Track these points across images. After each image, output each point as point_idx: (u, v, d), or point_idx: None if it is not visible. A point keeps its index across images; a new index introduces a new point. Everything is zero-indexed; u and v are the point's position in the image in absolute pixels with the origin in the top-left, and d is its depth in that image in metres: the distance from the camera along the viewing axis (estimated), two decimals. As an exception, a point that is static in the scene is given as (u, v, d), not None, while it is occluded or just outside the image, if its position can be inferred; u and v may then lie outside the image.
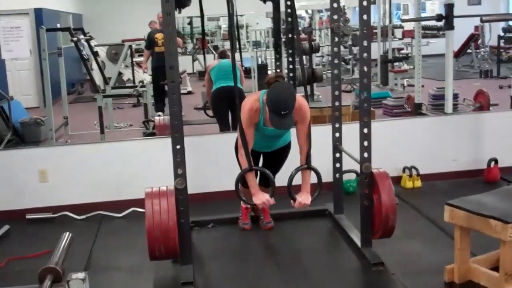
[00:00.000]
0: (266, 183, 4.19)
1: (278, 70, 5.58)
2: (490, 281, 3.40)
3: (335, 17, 4.35)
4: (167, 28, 3.53)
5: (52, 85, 7.50)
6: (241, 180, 3.92)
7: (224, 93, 6.25)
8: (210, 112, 6.95)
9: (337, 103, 4.49)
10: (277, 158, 4.31)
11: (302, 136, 3.99)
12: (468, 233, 3.49)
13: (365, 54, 3.81)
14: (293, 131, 4.08)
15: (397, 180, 5.41)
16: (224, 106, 6.38)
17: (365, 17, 3.77)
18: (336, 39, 4.45)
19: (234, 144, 4.12)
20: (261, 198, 3.88)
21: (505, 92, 9.59)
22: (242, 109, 3.88)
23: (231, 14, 4.02)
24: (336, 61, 4.51)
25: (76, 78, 13.11)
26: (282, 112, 3.69)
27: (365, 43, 3.81)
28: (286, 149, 4.32)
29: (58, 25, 11.92)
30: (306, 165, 3.97)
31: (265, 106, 3.84)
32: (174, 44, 3.54)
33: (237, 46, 5.06)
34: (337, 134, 4.52)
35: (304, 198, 3.93)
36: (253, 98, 3.96)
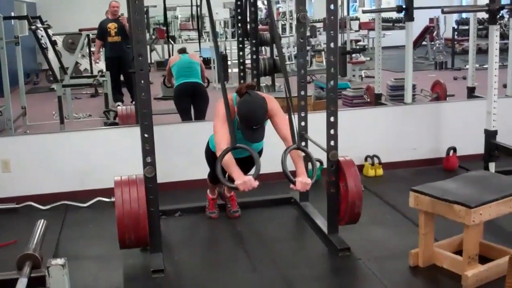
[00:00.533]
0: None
1: (242, 67, 5.60)
2: (453, 264, 3.51)
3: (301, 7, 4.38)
4: (134, 15, 3.51)
5: (8, 75, 7.31)
6: (212, 177, 3.68)
7: (186, 89, 6.34)
8: (168, 83, 7.10)
9: (302, 92, 4.52)
10: (248, 163, 4.04)
11: (282, 127, 3.81)
12: (432, 218, 3.60)
13: (332, 44, 3.84)
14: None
15: (359, 168, 5.41)
16: (186, 102, 6.45)
17: (332, 6, 3.80)
18: (302, 29, 4.47)
19: (204, 147, 4.18)
20: (243, 178, 3.52)
21: (460, 83, 9.84)
22: (217, 105, 3.75)
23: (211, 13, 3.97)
24: (302, 50, 4.54)
25: (30, 68, 12.83)
26: (254, 127, 3.65)
27: (332, 33, 3.85)
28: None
29: (13, 14, 11.67)
30: (295, 145, 3.68)
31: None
32: (143, 31, 3.54)
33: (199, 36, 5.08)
34: (302, 123, 4.55)
35: (303, 178, 3.64)
36: (228, 98, 3.82)
